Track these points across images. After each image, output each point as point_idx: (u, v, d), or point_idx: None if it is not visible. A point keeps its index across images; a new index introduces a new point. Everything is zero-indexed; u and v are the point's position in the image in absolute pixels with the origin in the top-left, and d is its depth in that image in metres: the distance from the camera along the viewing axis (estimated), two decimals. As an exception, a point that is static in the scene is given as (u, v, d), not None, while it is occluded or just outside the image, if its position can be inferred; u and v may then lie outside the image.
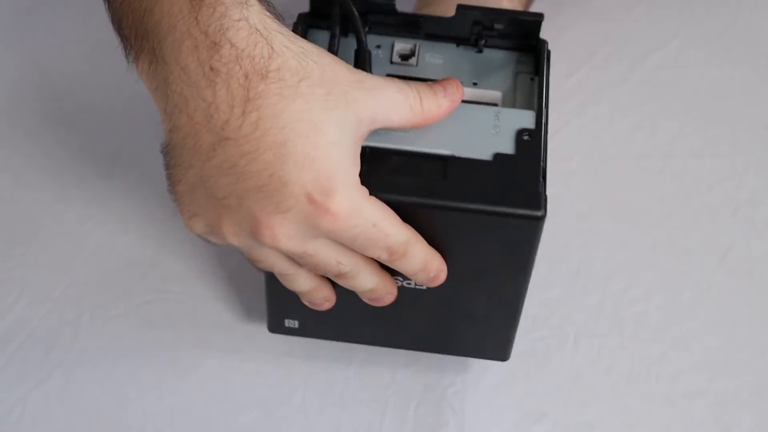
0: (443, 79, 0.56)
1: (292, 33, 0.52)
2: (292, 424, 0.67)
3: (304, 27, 0.61)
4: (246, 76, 0.50)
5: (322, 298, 0.60)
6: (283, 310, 0.64)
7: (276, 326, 0.66)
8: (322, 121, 0.50)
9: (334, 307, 0.61)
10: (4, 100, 0.85)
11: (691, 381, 0.67)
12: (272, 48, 0.51)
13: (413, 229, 0.55)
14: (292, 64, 0.51)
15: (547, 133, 0.58)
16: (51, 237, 0.76)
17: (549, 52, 0.60)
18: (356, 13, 0.58)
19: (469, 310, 0.62)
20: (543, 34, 0.59)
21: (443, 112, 0.55)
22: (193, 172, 0.52)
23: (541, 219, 0.54)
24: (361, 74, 0.53)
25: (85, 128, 0.82)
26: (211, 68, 0.50)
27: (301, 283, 0.58)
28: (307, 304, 0.60)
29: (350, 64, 0.55)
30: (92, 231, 0.77)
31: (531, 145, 0.56)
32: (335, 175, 0.51)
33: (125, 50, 0.54)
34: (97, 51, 0.84)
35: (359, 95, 0.52)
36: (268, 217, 0.51)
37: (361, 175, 0.53)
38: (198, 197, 0.53)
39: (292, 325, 0.65)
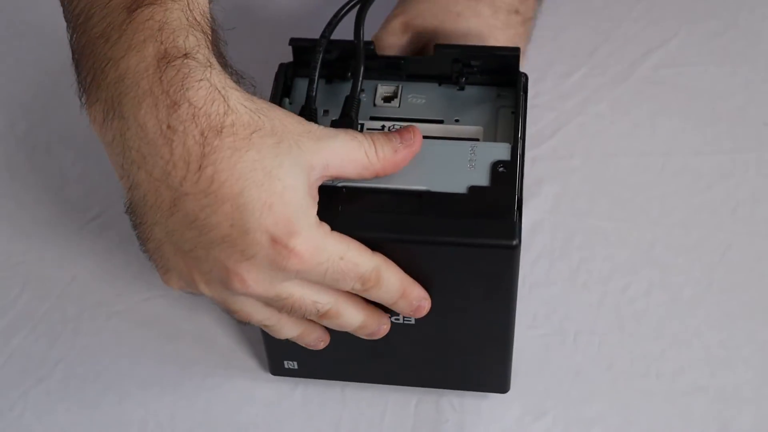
0: (400, 128, 0.57)
1: (246, 92, 0.53)
2: (294, 421, 0.67)
3: (289, 77, 0.62)
4: (202, 133, 0.51)
5: (315, 339, 0.60)
6: (281, 352, 0.65)
7: (277, 368, 0.67)
8: (275, 168, 0.51)
9: (330, 347, 0.61)
10: (3, 98, 0.85)
11: (691, 378, 0.68)
12: (228, 105, 0.51)
13: (383, 256, 0.55)
14: (245, 119, 0.52)
15: (523, 164, 0.59)
16: (53, 233, 0.76)
17: (526, 85, 0.62)
18: (363, 53, 0.59)
19: (461, 344, 0.62)
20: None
21: (400, 158, 0.56)
22: (158, 229, 0.53)
23: (515, 248, 0.55)
24: (311, 125, 0.54)
25: (87, 128, 0.82)
26: (169, 126, 0.51)
27: (288, 330, 0.59)
28: (303, 345, 0.61)
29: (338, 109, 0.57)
30: (94, 228, 0.77)
31: (506, 177, 0.57)
32: (295, 217, 0.51)
33: (79, 90, 0.54)
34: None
35: (310, 144, 0.53)
36: (235, 265, 0.52)
37: (335, 213, 0.54)
38: (167, 252, 0.54)
39: (291, 366, 0.66)
